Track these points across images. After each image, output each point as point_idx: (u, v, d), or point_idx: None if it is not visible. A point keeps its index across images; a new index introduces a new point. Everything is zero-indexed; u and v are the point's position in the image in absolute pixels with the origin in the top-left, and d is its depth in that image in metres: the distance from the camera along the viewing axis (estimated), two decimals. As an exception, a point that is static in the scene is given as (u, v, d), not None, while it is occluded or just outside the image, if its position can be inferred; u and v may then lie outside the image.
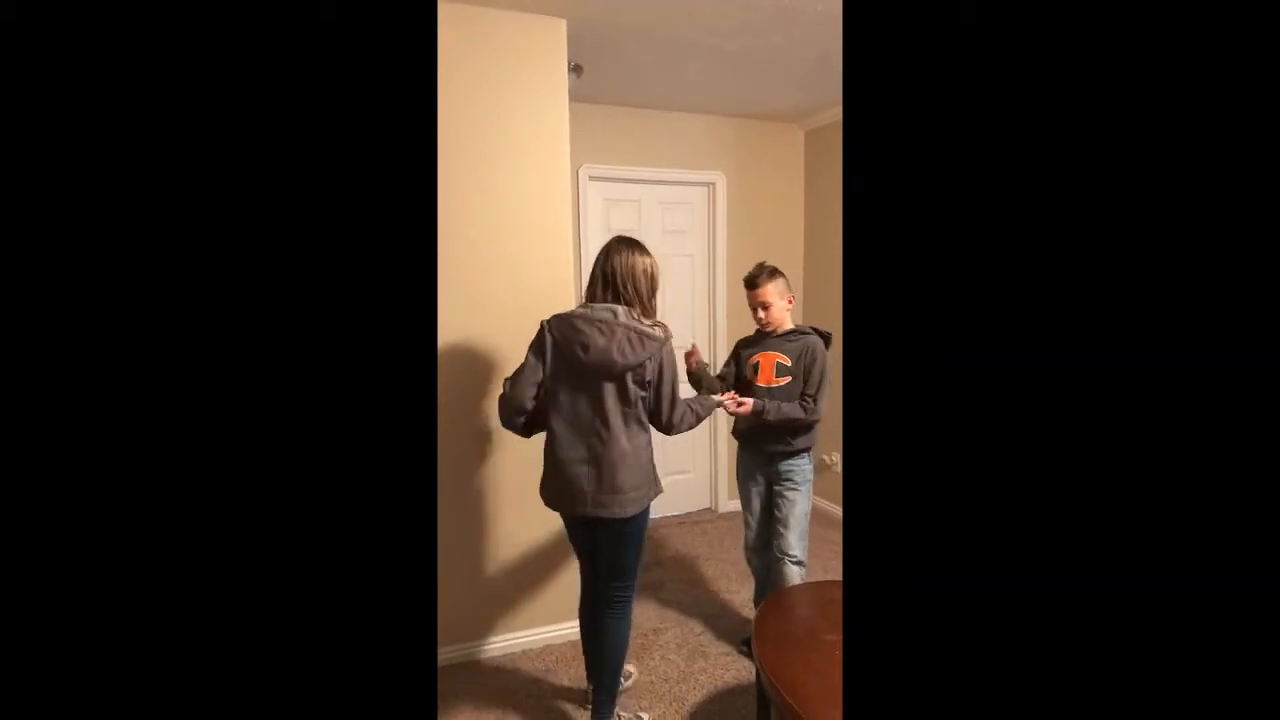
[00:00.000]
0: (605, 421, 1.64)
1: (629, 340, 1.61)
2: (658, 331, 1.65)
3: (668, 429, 1.71)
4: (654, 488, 1.72)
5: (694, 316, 3.65)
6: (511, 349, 2.01)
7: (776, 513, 2.15)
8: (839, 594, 1.82)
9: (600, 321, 1.64)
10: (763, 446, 2.15)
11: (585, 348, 1.62)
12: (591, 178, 3.30)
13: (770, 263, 2.18)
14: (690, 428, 1.76)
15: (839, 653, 1.51)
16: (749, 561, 2.33)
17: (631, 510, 1.66)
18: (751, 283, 2.12)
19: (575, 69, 2.62)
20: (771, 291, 2.09)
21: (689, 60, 2.69)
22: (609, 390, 1.63)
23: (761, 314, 2.12)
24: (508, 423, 1.71)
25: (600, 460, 1.64)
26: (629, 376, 1.62)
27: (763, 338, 2.17)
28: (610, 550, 1.73)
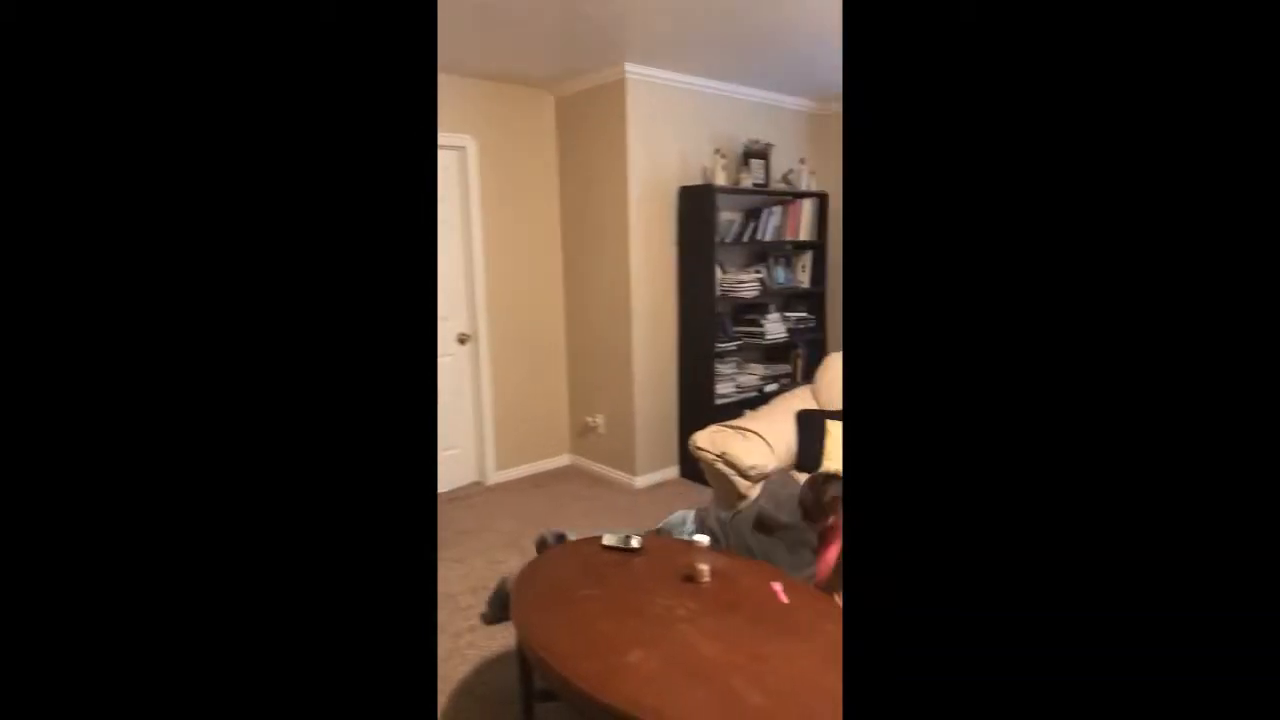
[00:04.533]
0: None
1: None
2: None
3: None
4: None
5: (453, 287, 3.51)
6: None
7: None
8: (596, 550, 1.90)
9: None
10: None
11: None
12: (325, 136, 2.99)
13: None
14: None
15: (593, 606, 1.58)
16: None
17: None
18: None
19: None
20: None
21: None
22: None
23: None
24: None
25: None
26: None
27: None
28: None
